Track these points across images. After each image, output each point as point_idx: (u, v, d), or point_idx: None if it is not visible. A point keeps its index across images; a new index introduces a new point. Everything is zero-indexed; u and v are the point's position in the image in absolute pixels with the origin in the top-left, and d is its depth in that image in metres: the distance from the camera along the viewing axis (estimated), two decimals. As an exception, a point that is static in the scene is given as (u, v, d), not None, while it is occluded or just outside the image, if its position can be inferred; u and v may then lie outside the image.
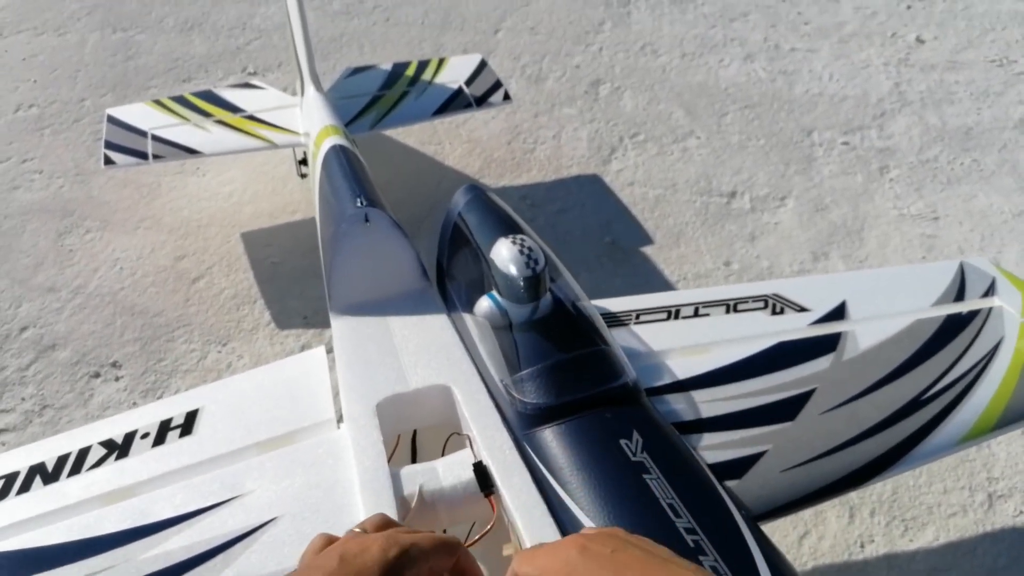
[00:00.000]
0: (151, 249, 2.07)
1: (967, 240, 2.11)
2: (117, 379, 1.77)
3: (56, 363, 1.79)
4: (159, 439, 0.88)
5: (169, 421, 0.91)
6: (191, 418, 0.91)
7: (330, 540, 0.54)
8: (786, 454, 0.85)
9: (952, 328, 1.03)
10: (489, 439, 0.81)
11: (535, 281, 0.90)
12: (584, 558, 0.50)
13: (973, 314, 1.05)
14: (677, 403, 0.90)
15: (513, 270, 0.89)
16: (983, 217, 2.18)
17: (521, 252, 0.89)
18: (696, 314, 1.05)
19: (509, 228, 0.99)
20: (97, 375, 1.78)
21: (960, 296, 1.08)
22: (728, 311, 1.05)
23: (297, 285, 1.94)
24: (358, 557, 0.52)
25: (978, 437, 0.90)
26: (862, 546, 1.40)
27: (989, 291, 1.09)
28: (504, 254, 0.90)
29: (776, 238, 2.11)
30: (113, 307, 1.93)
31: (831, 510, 1.43)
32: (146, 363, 1.80)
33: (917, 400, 0.93)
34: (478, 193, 1.09)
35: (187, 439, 0.88)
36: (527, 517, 0.73)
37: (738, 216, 2.18)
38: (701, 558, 0.70)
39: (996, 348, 0.99)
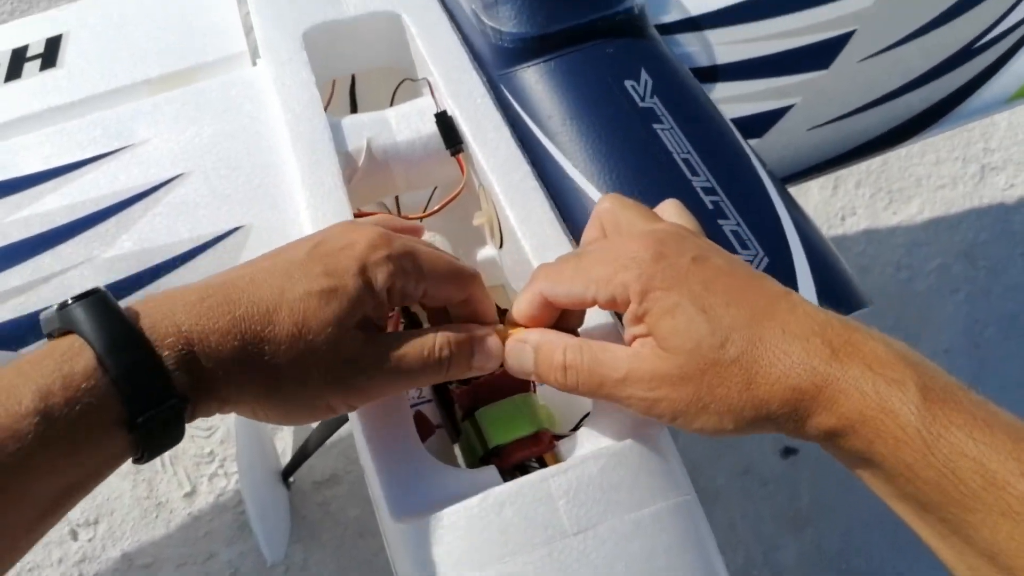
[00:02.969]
0: None
1: None
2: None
3: None
4: (13, 72, 0.71)
5: (24, 49, 0.72)
6: (54, 45, 0.72)
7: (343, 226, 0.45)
8: (816, 108, 0.75)
9: None
10: (455, 84, 0.66)
11: None
12: (663, 266, 0.40)
13: (1044, -58, 0.88)
14: (687, 45, 0.77)
15: None
16: None
17: None
18: (713, -68, 0.85)
19: None
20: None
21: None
22: (754, -71, 0.85)
23: None
24: (339, 250, 0.41)
25: None
26: (843, 219, 1.39)
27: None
28: None
29: None
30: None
31: (814, 181, 1.37)
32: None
33: (971, 46, 0.81)
34: None
35: (51, 72, 0.69)
36: (505, 180, 0.61)
37: None
38: (721, 222, 0.62)
39: (1066, -15, 0.85)
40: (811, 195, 1.41)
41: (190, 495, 1.24)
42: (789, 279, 0.61)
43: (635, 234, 0.43)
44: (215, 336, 0.38)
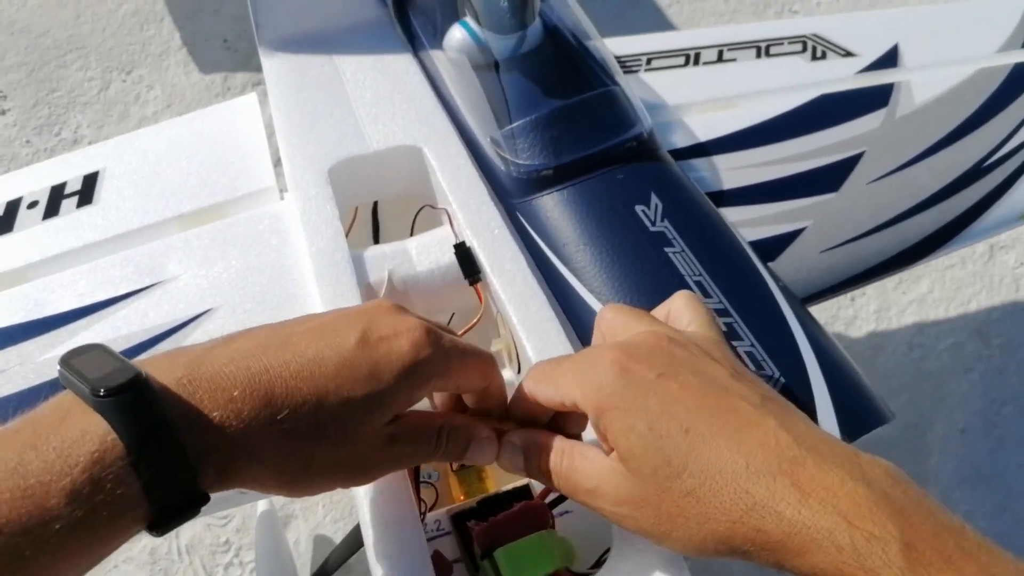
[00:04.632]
0: (26, -50, 1.73)
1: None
2: (3, 112, 1.54)
3: (-76, 94, 1.54)
4: (51, 209, 0.73)
5: (63, 187, 0.74)
6: (91, 182, 0.74)
7: (387, 312, 0.44)
8: (828, 231, 0.75)
9: (1021, 79, 0.89)
10: (473, 214, 0.67)
11: (520, 1, 0.73)
12: (623, 383, 0.39)
13: (1046, 62, 0.91)
14: (701, 170, 0.78)
15: (493, -14, 0.70)
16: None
17: (501, -39, 0.70)
18: (720, 59, 0.89)
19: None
20: (-23, 107, 1.54)
21: (1031, 40, 0.93)
22: (759, 55, 0.89)
23: None
24: (384, 343, 0.41)
25: None
26: (852, 299, 1.38)
27: (1065, 34, 0.94)
28: (478, -36, 0.70)
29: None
30: (-13, 25, 1.64)
31: None
32: (36, 93, 1.56)
33: (980, 166, 0.82)
34: None
35: (87, 209, 0.72)
36: (522, 310, 0.62)
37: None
38: (735, 343, 0.61)
39: (1073, 103, 0.87)
40: (823, 278, 1.41)
41: (207, 585, 1.24)
42: (806, 398, 0.60)
43: (610, 344, 0.43)
44: (256, 438, 0.37)
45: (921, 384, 1.31)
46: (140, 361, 0.38)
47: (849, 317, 1.35)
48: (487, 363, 0.45)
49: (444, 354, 0.42)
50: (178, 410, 0.36)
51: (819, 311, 1.35)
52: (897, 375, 1.30)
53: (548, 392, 0.43)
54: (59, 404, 0.36)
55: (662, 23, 1.69)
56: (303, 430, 0.38)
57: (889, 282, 1.40)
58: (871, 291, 1.38)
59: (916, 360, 1.33)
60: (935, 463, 1.25)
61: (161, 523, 0.36)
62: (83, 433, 0.34)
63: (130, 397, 0.35)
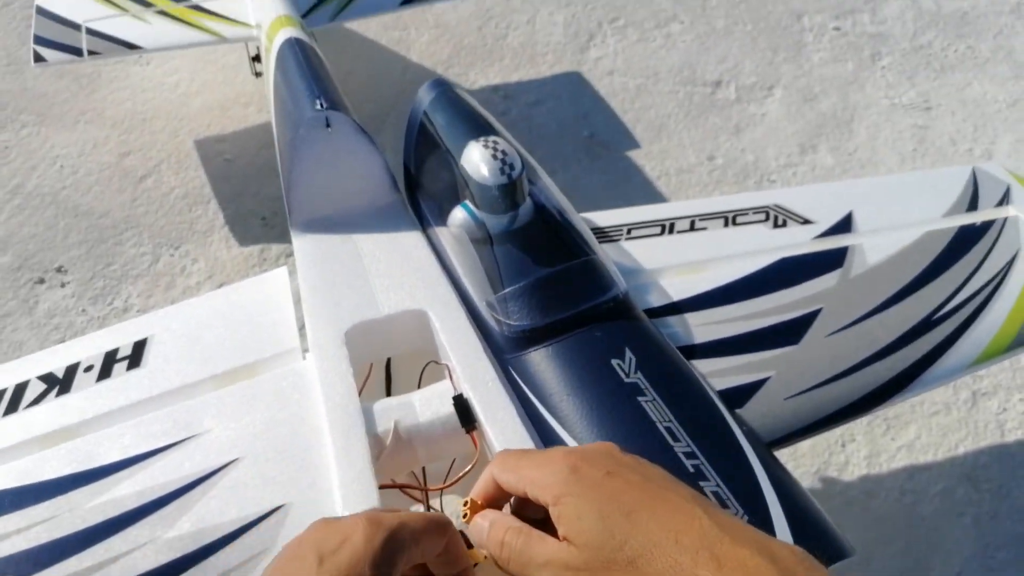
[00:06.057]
0: (93, 145, 1.93)
1: (959, 131, 2.04)
2: (63, 285, 1.67)
3: (-3, 269, 1.68)
4: (104, 372, 0.80)
5: (115, 352, 0.82)
6: (139, 348, 0.82)
7: (326, 527, 0.46)
8: (790, 380, 0.80)
9: (965, 240, 0.97)
10: (470, 369, 0.74)
11: (511, 188, 0.82)
12: (575, 479, 0.46)
13: (988, 225, 0.99)
14: (673, 326, 0.84)
15: (486, 176, 0.80)
16: (976, 106, 2.11)
17: (495, 156, 0.81)
18: (692, 228, 0.97)
19: (480, 129, 0.90)
20: (42, 281, 1.67)
21: (973, 205, 1.02)
22: (727, 224, 0.98)
23: (253, 183, 1.83)
24: (339, 552, 0.44)
25: (993, 357, 0.85)
26: (843, 445, 1.40)
27: (1004, 199, 1.02)
28: (476, 159, 0.81)
29: (762, 130, 2.02)
30: (55, 208, 1.81)
31: None
32: (93, 268, 1.69)
33: (930, 319, 0.87)
34: (444, 89, 0.98)
35: (135, 372, 0.80)
36: (514, 455, 0.67)
37: (723, 107, 2.08)
38: (702, 483, 0.66)
39: (1012, 261, 0.94)
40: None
41: None
42: (768, 532, 0.65)
43: (568, 449, 0.49)
44: None
45: (915, 530, 1.30)
46: None
47: (841, 463, 1.36)
48: (441, 524, 0.48)
49: (397, 530, 0.45)
50: None
51: (810, 457, 1.38)
52: (891, 520, 1.30)
53: (511, 480, 0.49)
54: None
55: (652, 193, 1.83)
56: None
57: (877, 428, 1.42)
58: (860, 438, 1.40)
59: (908, 505, 1.33)
60: (934, 610, 1.23)
61: None
62: None
63: None
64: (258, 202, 1.79)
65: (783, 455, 1.29)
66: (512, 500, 0.51)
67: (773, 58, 2.22)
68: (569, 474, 0.46)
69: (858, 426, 1.42)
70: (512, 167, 0.82)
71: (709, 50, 2.23)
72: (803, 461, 1.36)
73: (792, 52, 2.24)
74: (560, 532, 0.45)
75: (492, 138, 0.84)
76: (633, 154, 1.94)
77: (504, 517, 0.50)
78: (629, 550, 0.42)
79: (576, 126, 1.99)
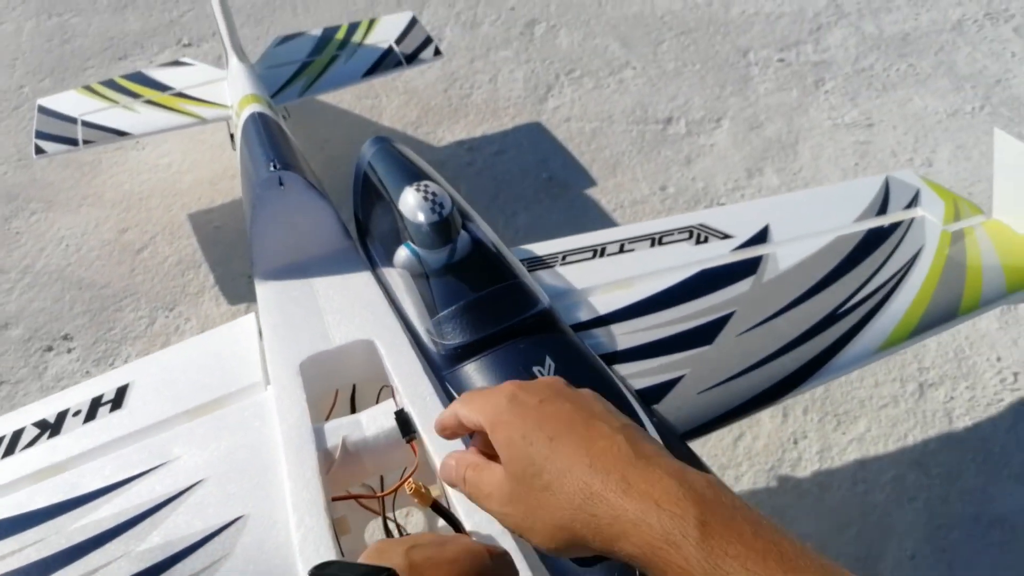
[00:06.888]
0: (95, 224, 2.03)
1: (900, 143, 2.13)
2: (69, 351, 1.75)
3: (9, 341, 1.77)
4: (90, 415, 0.88)
5: (100, 397, 0.90)
6: (122, 392, 0.90)
7: (382, 549, 0.50)
8: (703, 376, 0.87)
9: (873, 241, 1.04)
10: (411, 387, 0.81)
11: (443, 225, 0.90)
12: (511, 406, 0.48)
13: (895, 226, 1.06)
14: (597, 337, 0.91)
15: (420, 217, 0.88)
16: (917, 120, 2.19)
17: (426, 199, 0.89)
18: (621, 250, 1.05)
19: (414, 175, 0.98)
20: (50, 349, 1.76)
21: (883, 210, 1.09)
22: (653, 244, 1.05)
23: (239, 247, 1.92)
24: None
25: (897, 344, 0.92)
26: (795, 442, 1.44)
27: (912, 202, 1.10)
28: (411, 202, 0.89)
29: (711, 159, 2.11)
30: (61, 283, 1.90)
31: (765, 412, 1.47)
32: (96, 333, 1.78)
33: (834, 313, 0.94)
34: (384, 144, 1.07)
35: (117, 413, 0.87)
36: (450, 458, 0.74)
37: (674, 141, 2.17)
38: None
39: (916, 256, 1.01)
40: (763, 425, 1.46)
41: None
42: None
43: (517, 381, 0.51)
44: None
45: (868, 517, 1.33)
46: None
47: (794, 459, 1.41)
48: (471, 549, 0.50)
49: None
50: None
51: (764, 456, 1.43)
52: (844, 509, 1.33)
53: (466, 412, 0.51)
54: None
55: (608, 224, 1.90)
56: None
57: (828, 424, 1.46)
58: (812, 434, 1.44)
59: (861, 494, 1.36)
60: (888, 592, 1.27)
61: None
62: None
63: None
64: (244, 263, 1.88)
65: (736, 458, 1.35)
66: (473, 436, 0.53)
67: (721, 92, 2.32)
68: (507, 402, 0.48)
69: (809, 424, 1.47)
70: (442, 206, 0.90)
71: (660, 91, 2.33)
72: (757, 460, 1.41)
73: (739, 86, 2.34)
74: (500, 459, 0.47)
75: (424, 183, 0.92)
76: (590, 191, 2.02)
77: (466, 455, 0.52)
78: (545, 475, 0.43)
79: (536, 170, 2.09)
